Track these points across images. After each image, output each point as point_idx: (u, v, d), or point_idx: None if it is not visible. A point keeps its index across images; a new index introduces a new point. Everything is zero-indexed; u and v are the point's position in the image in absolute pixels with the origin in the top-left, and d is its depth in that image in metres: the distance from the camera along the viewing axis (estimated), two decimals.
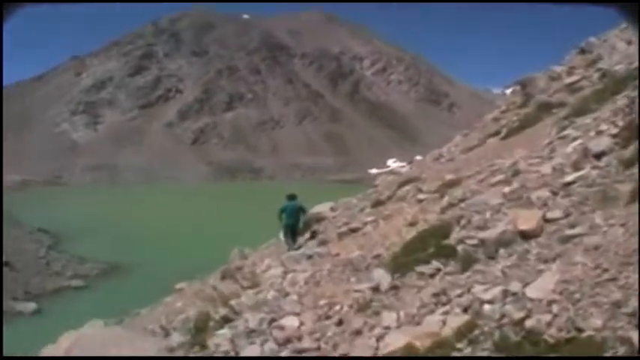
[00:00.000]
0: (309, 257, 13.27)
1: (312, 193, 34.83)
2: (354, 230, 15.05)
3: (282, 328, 8.33)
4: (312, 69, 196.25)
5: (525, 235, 7.62)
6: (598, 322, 5.01)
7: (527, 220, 7.75)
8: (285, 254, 15.88)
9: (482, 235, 8.13)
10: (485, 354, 5.51)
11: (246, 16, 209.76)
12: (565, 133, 13.15)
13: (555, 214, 7.81)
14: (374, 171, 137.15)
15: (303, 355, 7.63)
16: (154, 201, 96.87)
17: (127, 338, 10.99)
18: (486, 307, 6.15)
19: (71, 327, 17.75)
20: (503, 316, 5.84)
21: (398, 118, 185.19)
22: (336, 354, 7.36)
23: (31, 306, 34.36)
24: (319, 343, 7.73)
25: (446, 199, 12.43)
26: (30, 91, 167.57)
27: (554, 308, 5.54)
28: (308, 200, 20.74)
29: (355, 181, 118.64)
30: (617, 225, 6.68)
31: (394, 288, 8.38)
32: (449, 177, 15.10)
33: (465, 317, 6.23)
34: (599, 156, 9.13)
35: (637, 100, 9.53)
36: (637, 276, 5.30)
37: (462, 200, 11.60)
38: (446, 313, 6.61)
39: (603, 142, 9.46)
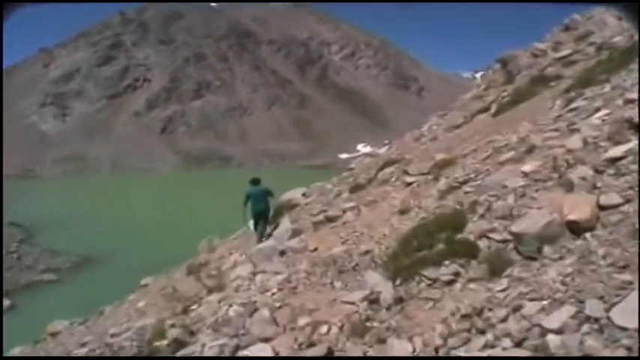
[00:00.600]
0: (282, 253, 11.12)
1: (283, 179, 34.73)
2: (331, 219, 12.98)
3: None
4: (280, 55, 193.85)
5: (576, 228, 5.62)
6: None
7: (577, 208, 5.70)
8: (255, 247, 13.90)
9: (514, 227, 6.07)
10: None
11: (213, 5, 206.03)
12: (576, 104, 11.56)
13: (612, 199, 5.79)
14: (344, 156, 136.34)
15: None
16: (124, 191, 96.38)
17: None
18: (553, 339, 4.11)
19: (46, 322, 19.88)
20: (585, 355, 3.81)
21: (367, 103, 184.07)
22: None
23: (6, 302, 33.24)
24: None
25: (443, 181, 10.45)
26: None
27: None
28: (279, 187, 19.46)
29: (325, 166, 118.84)
30: None
31: (399, 301, 6.26)
32: (440, 156, 13.10)
33: (523, 353, 4.19)
34: None
35: None
36: None
37: (464, 182, 9.64)
38: (490, 346, 4.52)
39: None
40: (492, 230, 6.50)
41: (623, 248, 4.95)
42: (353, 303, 6.69)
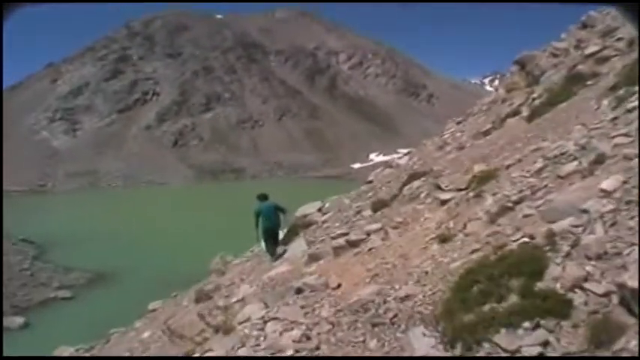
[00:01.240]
0: (299, 291, 9.39)
1: (297, 191, 33.90)
2: (354, 244, 11.34)
3: None
4: (288, 66, 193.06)
5: None
6: None
7: None
8: (266, 276, 12.50)
9: (629, 280, 4.28)
10: None
11: (219, 16, 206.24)
12: (633, 104, 9.90)
13: None
14: (357, 165, 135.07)
15: None
16: (137, 206, 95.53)
17: None
18: None
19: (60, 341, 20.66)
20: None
21: (377, 112, 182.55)
22: None
23: (19, 320, 33.05)
24: None
25: (490, 200, 8.72)
26: (6, 99, 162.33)
27: None
28: (293, 199, 19.11)
29: (339, 176, 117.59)
30: None
31: None
32: (478, 168, 11.37)
33: None
34: None
35: None
36: None
37: (518, 202, 7.91)
38: None
39: None
40: (588, 277, 4.74)
41: None
42: None
